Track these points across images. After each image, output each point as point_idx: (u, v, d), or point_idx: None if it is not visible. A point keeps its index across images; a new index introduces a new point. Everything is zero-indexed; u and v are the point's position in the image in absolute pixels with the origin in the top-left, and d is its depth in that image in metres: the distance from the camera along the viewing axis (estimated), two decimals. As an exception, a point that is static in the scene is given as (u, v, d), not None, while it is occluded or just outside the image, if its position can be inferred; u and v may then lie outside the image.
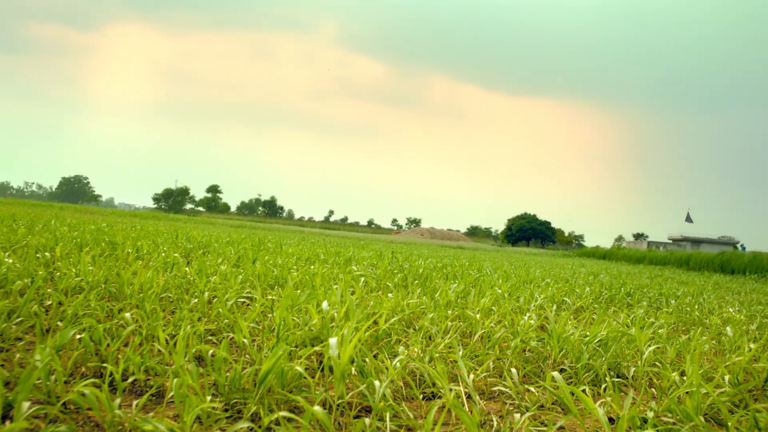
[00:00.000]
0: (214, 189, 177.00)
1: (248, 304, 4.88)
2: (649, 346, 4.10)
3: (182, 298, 4.67)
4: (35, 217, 16.52)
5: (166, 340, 3.31)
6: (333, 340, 2.72)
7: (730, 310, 7.95)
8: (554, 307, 5.83)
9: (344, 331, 2.83)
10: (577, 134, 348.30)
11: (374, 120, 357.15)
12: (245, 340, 3.17)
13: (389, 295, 5.65)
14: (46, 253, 6.40)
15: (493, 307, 5.64)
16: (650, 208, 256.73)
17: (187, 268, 5.92)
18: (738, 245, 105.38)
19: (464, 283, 7.51)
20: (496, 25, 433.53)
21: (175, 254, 6.85)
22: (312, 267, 7.55)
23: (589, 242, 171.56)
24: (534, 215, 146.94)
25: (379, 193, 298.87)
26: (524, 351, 4.14)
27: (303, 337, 3.56)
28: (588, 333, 4.33)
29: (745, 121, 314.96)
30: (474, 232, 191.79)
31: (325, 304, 3.72)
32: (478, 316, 4.78)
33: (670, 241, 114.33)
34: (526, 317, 4.70)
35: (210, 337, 3.72)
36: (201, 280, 5.12)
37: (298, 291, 4.90)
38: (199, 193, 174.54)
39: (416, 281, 7.47)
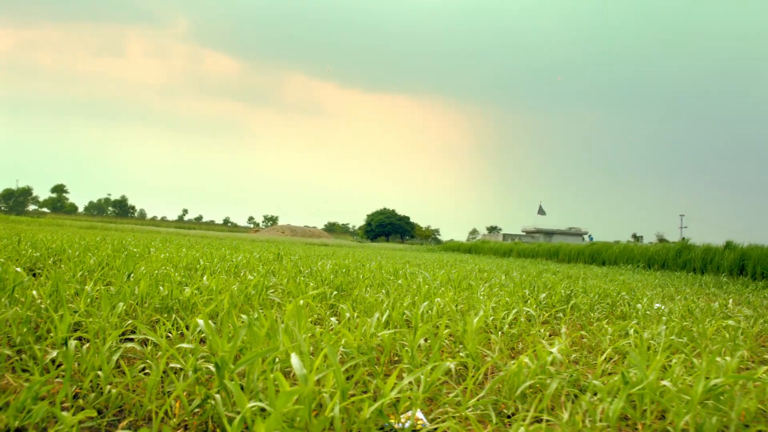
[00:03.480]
0: (59, 189, 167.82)
1: (137, 358, 3.15)
2: None
3: (27, 347, 2.91)
4: None
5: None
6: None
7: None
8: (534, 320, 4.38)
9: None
10: (431, 130, 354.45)
11: (229, 117, 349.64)
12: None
13: (333, 319, 4.06)
14: None
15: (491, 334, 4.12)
16: (502, 201, 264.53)
17: (35, 292, 4.07)
18: (586, 236, 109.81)
19: (407, 293, 5.99)
20: (350, 23, 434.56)
21: (17, 268, 4.91)
22: (204, 279, 5.80)
23: (444, 236, 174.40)
24: (393, 210, 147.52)
25: (234, 191, 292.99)
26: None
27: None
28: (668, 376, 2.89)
29: (597, 119, 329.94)
30: (332, 229, 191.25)
31: (296, 364, 2.11)
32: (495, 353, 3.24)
33: (524, 233, 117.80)
34: (554, 350, 3.20)
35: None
36: (61, 309, 3.35)
37: (214, 322, 3.22)
38: (43, 193, 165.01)
39: (338, 293, 5.90)
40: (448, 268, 14.16)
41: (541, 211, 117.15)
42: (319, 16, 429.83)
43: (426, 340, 3.83)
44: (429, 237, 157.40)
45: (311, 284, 6.37)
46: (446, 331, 3.97)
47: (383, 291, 6.72)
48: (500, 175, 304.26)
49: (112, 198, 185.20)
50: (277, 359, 2.62)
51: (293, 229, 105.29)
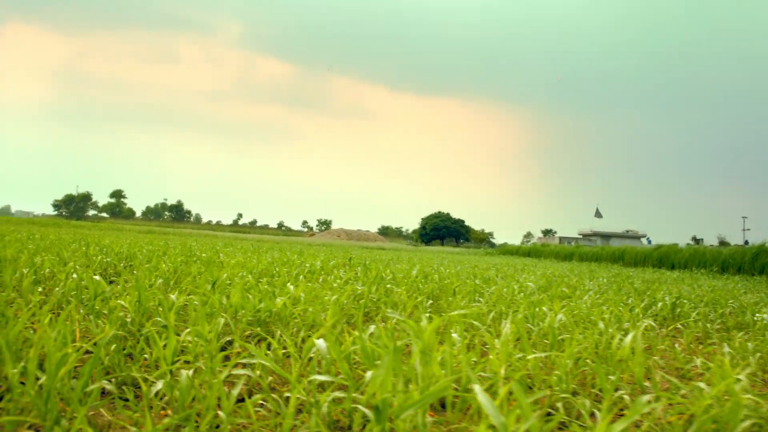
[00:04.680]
0: (118, 194, 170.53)
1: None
2: None
3: (120, 371, 2.46)
4: None
5: None
6: None
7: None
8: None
9: None
10: (484, 133, 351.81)
11: (280, 121, 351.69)
12: None
13: (455, 336, 3.55)
14: None
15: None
16: (556, 204, 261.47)
17: (122, 301, 3.64)
18: (644, 239, 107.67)
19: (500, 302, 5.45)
20: (400, 26, 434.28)
21: (95, 276, 4.51)
22: (292, 287, 5.32)
23: (498, 239, 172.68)
24: (448, 214, 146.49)
25: (288, 194, 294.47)
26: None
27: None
28: None
29: (651, 120, 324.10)
30: (385, 232, 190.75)
31: (490, 409, 1.60)
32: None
33: (580, 236, 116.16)
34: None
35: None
36: (149, 324, 2.90)
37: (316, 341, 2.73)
38: (102, 198, 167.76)
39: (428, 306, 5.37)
40: (520, 272, 13.58)
41: (597, 214, 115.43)
42: (369, 20, 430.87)
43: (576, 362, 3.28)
44: (483, 240, 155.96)
45: (399, 290, 5.87)
46: (576, 349, 3.44)
47: (478, 298, 6.21)
48: (554, 178, 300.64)
49: (169, 203, 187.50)
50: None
51: (348, 233, 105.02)
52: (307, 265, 8.98)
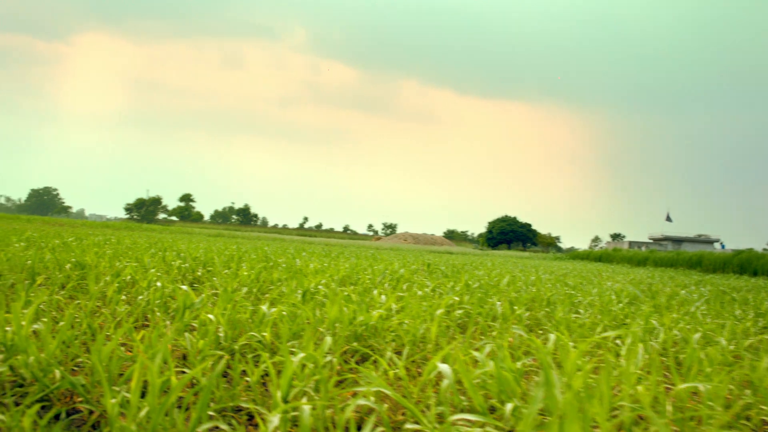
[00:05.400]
0: (186, 198, 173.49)
1: None
2: None
3: (220, 398, 2.19)
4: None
5: None
6: None
7: None
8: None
9: None
10: (550, 136, 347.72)
11: (346, 125, 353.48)
12: None
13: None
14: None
15: None
16: (623, 208, 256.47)
17: (212, 315, 3.39)
18: (717, 243, 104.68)
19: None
20: (466, 29, 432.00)
21: (182, 286, 4.29)
22: (384, 297, 5.02)
23: (564, 244, 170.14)
24: (515, 217, 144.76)
25: (353, 198, 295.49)
26: None
27: None
28: None
29: (720, 122, 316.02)
30: (451, 236, 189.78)
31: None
32: None
33: (651, 241, 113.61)
34: None
35: None
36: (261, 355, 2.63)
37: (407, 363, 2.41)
38: (171, 202, 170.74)
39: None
40: (601, 278, 13.08)
41: (668, 218, 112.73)
42: (435, 23, 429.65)
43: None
44: (550, 245, 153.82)
45: (494, 300, 5.52)
46: (723, 376, 3.05)
47: (577, 309, 5.83)
48: (621, 181, 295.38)
49: (236, 206, 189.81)
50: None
51: (415, 237, 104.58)
52: (386, 271, 8.68)
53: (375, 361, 3.16)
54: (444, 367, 2.29)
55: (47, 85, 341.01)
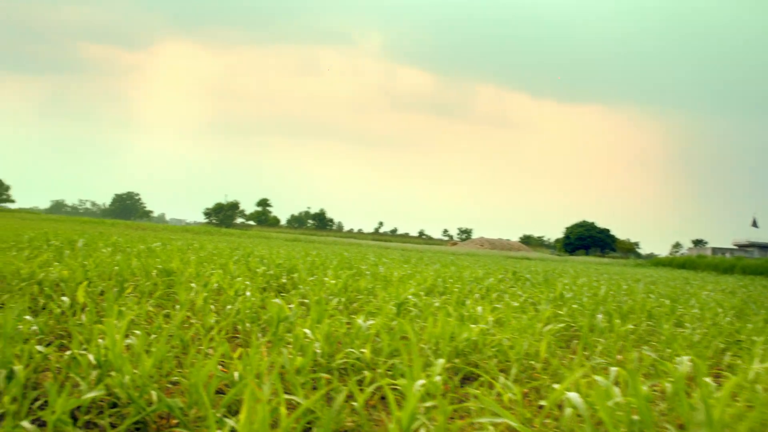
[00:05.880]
0: (263, 203, 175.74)
1: None
2: None
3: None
4: (76, 236, 14.01)
5: None
6: None
7: None
8: None
9: None
10: (628, 139, 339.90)
11: (421, 130, 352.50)
12: None
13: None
14: (63, 298, 3.87)
15: None
16: (705, 213, 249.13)
17: (307, 329, 3.22)
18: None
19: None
20: (541, 33, 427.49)
21: (275, 300, 4.14)
22: (480, 309, 4.78)
23: (643, 250, 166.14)
24: (593, 223, 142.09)
25: (427, 202, 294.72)
26: None
27: None
28: None
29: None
30: (527, 241, 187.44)
31: None
32: None
33: (736, 247, 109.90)
34: None
35: None
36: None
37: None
38: (249, 206, 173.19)
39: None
40: (694, 287, 12.54)
41: (754, 224, 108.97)
42: (510, 27, 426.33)
43: None
44: (629, 251, 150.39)
45: (590, 312, 5.22)
46: None
47: (686, 325, 5.48)
48: (703, 185, 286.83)
49: (312, 211, 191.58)
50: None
51: (491, 242, 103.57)
52: (471, 279, 8.42)
53: (482, 381, 2.94)
54: (574, 396, 2.05)
55: (130, 93, 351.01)
